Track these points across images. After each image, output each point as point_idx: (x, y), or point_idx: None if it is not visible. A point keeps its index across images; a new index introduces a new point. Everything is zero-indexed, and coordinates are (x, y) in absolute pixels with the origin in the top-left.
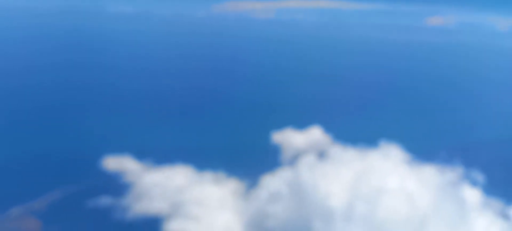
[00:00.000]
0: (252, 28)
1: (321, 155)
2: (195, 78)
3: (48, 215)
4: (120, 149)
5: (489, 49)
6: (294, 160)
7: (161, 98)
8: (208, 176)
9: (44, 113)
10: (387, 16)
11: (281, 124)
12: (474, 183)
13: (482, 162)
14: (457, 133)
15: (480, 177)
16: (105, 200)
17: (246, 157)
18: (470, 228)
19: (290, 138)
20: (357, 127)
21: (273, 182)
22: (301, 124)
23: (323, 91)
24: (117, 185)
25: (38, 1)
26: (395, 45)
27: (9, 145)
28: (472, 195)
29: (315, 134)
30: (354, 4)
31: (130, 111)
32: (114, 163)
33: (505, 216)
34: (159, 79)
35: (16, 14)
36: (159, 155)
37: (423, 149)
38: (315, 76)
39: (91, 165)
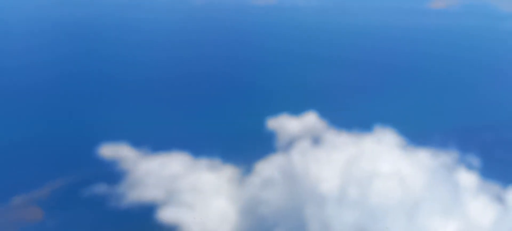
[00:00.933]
0: (250, 13)
1: (316, 140)
2: (191, 65)
3: (49, 203)
4: (117, 136)
5: (492, 32)
6: (289, 145)
7: (157, 86)
8: (203, 163)
9: (43, 103)
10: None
11: (277, 110)
12: (470, 167)
13: (479, 145)
14: (454, 116)
15: (476, 160)
16: (100, 188)
17: (242, 143)
18: (464, 211)
19: (285, 124)
20: (353, 112)
21: (266, 168)
22: (297, 109)
23: (320, 76)
24: (112, 173)
25: None
26: (396, 29)
27: (10, 135)
28: (468, 178)
29: (311, 120)
30: None
31: (127, 99)
32: (111, 150)
33: (501, 200)
34: (155, 67)
35: (18, 4)
36: (156, 142)
37: (419, 133)
38: (313, 61)
39: (89, 153)
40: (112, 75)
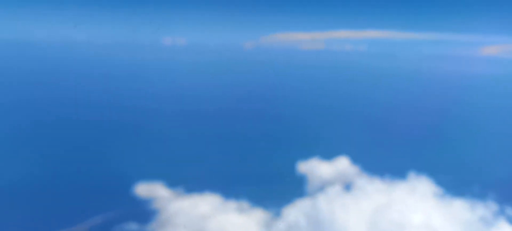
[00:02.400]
0: (298, 59)
1: (347, 186)
2: (233, 111)
3: None
4: (154, 176)
5: None
6: (319, 190)
7: (197, 127)
8: (233, 205)
9: (85, 140)
10: (439, 46)
11: (309, 154)
12: (511, 221)
13: None
14: (495, 167)
15: None
16: (133, 227)
17: (272, 186)
18: None
19: (316, 168)
20: (386, 158)
21: (293, 214)
22: (329, 154)
23: (357, 121)
24: (145, 212)
25: (95, 36)
26: (443, 76)
27: (51, 170)
28: None
29: (342, 165)
30: (405, 34)
31: (166, 140)
32: (146, 189)
33: None
34: (197, 109)
35: (70, 49)
36: (190, 182)
37: (456, 182)
38: (353, 107)
39: (127, 192)
40: (153, 120)
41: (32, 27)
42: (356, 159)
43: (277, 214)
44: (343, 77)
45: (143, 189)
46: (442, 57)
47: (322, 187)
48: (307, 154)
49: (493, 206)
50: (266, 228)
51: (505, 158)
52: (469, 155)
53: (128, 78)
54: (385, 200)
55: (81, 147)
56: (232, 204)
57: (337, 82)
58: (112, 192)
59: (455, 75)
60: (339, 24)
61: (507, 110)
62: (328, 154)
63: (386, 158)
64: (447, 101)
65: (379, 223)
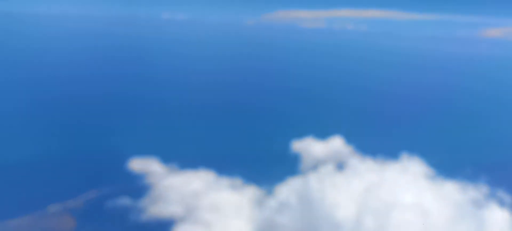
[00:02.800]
0: (298, 37)
1: (340, 165)
2: (230, 86)
3: (81, 213)
4: (149, 151)
5: None
6: (312, 169)
7: (191, 105)
8: (226, 181)
9: (83, 116)
10: (441, 27)
11: (304, 133)
12: (501, 203)
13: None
14: (488, 150)
15: (508, 196)
16: (126, 201)
17: (266, 164)
18: None
19: (310, 147)
20: (380, 138)
21: (284, 191)
22: (323, 133)
23: (354, 102)
24: (138, 187)
25: (95, 10)
26: (443, 57)
27: (49, 146)
28: (498, 215)
29: (336, 144)
30: (407, 14)
31: (162, 117)
32: (140, 165)
33: None
34: (195, 83)
35: (70, 22)
36: (185, 159)
37: (448, 164)
38: (350, 86)
39: (121, 167)
40: (150, 95)
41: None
42: (350, 139)
43: (270, 192)
44: (343, 56)
45: (137, 164)
46: (444, 38)
47: (315, 166)
48: (301, 133)
49: (484, 189)
50: (258, 205)
51: (500, 140)
52: (463, 137)
53: (126, 52)
54: (376, 179)
55: (78, 121)
56: (225, 181)
57: (336, 61)
58: (107, 167)
59: (456, 56)
60: (341, 3)
61: (505, 93)
62: (323, 134)
63: (380, 139)
64: (446, 83)
65: (369, 202)
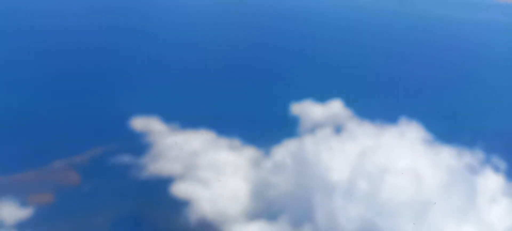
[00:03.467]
0: None
1: (338, 128)
2: (228, 47)
3: (83, 169)
4: (151, 110)
5: None
6: (310, 132)
7: (193, 65)
8: (225, 142)
9: (86, 72)
10: None
11: (304, 95)
12: (496, 169)
13: (508, 148)
14: (490, 118)
15: (503, 163)
16: (126, 159)
17: (265, 125)
18: (480, 215)
19: (309, 110)
20: (381, 102)
21: (281, 153)
22: (323, 96)
23: (357, 63)
24: (139, 145)
25: None
26: (455, 22)
27: (53, 103)
28: (492, 181)
29: (336, 107)
30: None
31: (166, 75)
32: (142, 123)
33: None
34: (199, 44)
35: None
36: (186, 118)
37: (447, 130)
38: (353, 49)
39: (124, 124)
40: (153, 53)
41: None
42: (350, 102)
43: (267, 153)
44: (345, 18)
45: (140, 123)
46: (457, 3)
47: (314, 128)
48: (302, 95)
49: (480, 155)
50: (256, 166)
51: (501, 108)
52: (466, 104)
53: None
54: (372, 143)
55: (82, 78)
56: (224, 141)
57: (339, 23)
58: (110, 124)
59: (469, 22)
60: None
61: (506, 61)
62: (323, 96)
63: (380, 103)
64: (455, 48)
65: (363, 166)
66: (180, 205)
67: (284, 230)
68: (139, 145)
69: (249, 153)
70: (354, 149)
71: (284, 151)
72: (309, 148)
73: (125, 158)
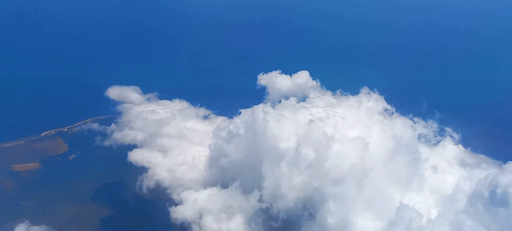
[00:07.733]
0: None
1: (303, 99)
2: (206, 22)
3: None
4: (131, 80)
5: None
6: (276, 102)
7: (177, 40)
8: (198, 111)
9: (72, 42)
10: None
11: (273, 67)
12: (449, 140)
13: (462, 120)
14: (447, 90)
15: (456, 135)
16: (94, 126)
17: (238, 96)
18: (422, 183)
19: (277, 80)
20: (348, 74)
21: (237, 122)
22: (291, 68)
23: (322, 37)
24: (111, 113)
25: None
26: None
27: (41, 75)
28: (444, 150)
29: (303, 78)
30: None
31: (148, 48)
32: (120, 92)
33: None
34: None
35: None
36: (164, 89)
37: (406, 101)
38: (322, 22)
39: (101, 94)
40: (142, 25)
41: None
42: (316, 74)
43: (230, 122)
44: None
45: (117, 92)
46: None
47: (280, 99)
48: (271, 68)
49: (435, 126)
50: (216, 135)
51: (461, 81)
52: (427, 77)
53: None
54: (327, 113)
55: (71, 51)
56: (197, 111)
57: None
58: (91, 94)
59: None
60: None
61: (498, 35)
62: (291, 68)
63: (347, 74)
64: (436, 24)
65: (312, 135)
66: (139, 171)
67: (234, 196)
68: (111, 113)
69: (218, 122)
70: (306, 118)
71: (238, 120)
72: (259, 117)
73: (95, 126)
